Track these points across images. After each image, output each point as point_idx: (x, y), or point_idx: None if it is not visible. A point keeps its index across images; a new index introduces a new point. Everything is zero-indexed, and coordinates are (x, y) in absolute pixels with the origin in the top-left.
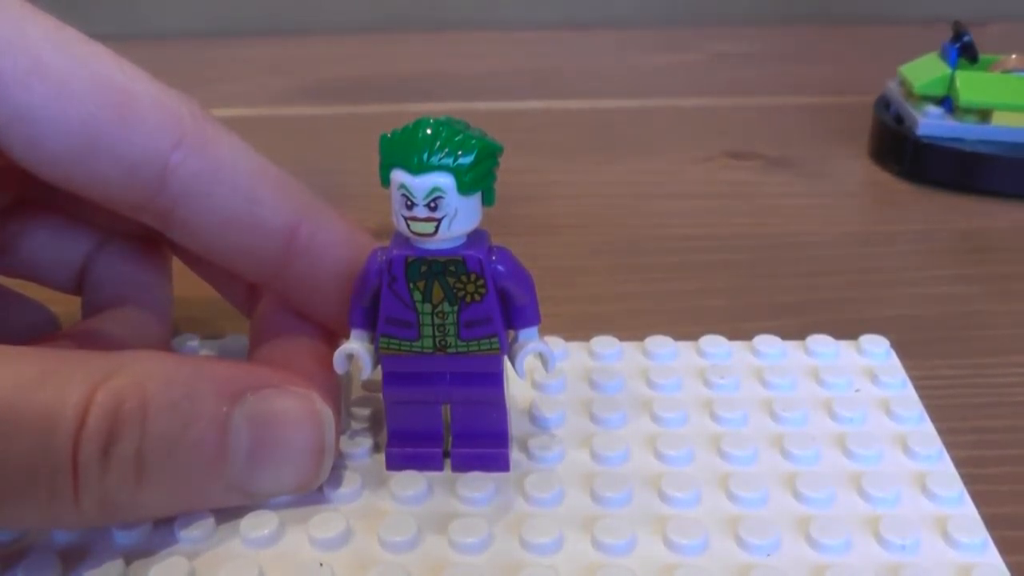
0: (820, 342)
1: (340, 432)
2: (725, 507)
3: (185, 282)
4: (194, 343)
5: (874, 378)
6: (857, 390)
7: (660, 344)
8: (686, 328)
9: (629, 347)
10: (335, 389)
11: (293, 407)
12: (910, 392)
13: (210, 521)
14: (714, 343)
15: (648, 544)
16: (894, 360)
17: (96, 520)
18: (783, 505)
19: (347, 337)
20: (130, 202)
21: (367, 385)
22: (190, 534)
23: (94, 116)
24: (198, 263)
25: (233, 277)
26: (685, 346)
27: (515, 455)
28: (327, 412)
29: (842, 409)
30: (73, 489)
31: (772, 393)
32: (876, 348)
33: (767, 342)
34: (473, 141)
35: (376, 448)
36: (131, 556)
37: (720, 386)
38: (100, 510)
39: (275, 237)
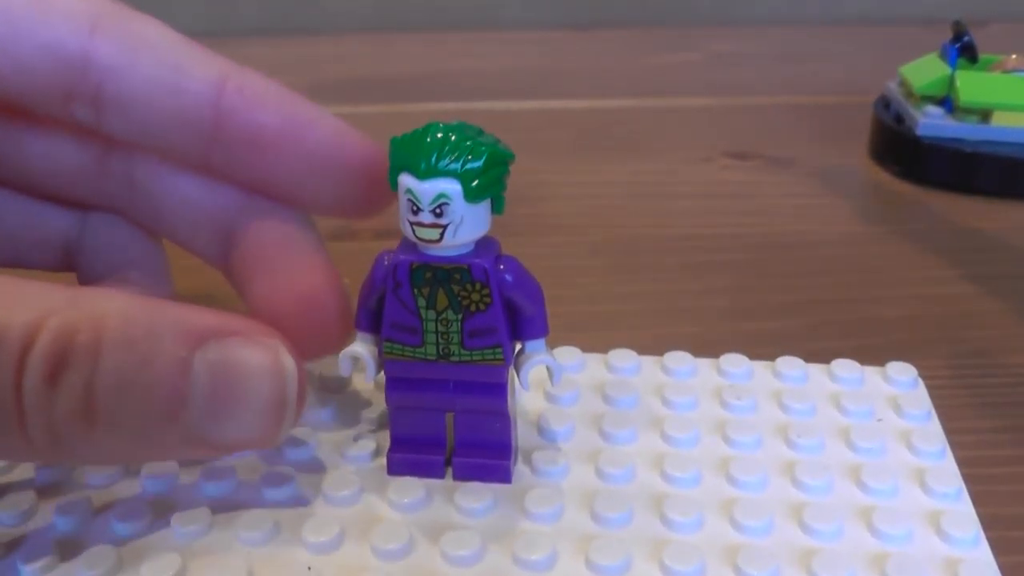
0: (845, 367)
1: (305, 387)
2: (727, 534)
3: (185, 281)
4: None
5: (898, 408)
6: (879, 419)
7: (679, 360)
8: (686, 328)
9: (647, 361)
10: (333, 287)
11: (255, 357)
12: (934, 425)
13: (206, 516)
14: (735, 362)
15: (643, 568)
16: (921, 390)
17: (49, 456)
18: (787, 536)
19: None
20: (59, 89)
21: (377, 386)
22: (185, 528)
23: (10, 6)
24: (160, 221)
25: (198, 224)
26: (705, 363)
27: (519, 467)
28: (291, 365)
29: (860, 439)
30: (17, 415)
31: (789, 418)
32: (903, 376)
33: (790, 364)
34: (482, 147)
35: (379, 452)
36: (124, 548)
37: (736, 407)
38: (51, 445)
39: (202, 97)
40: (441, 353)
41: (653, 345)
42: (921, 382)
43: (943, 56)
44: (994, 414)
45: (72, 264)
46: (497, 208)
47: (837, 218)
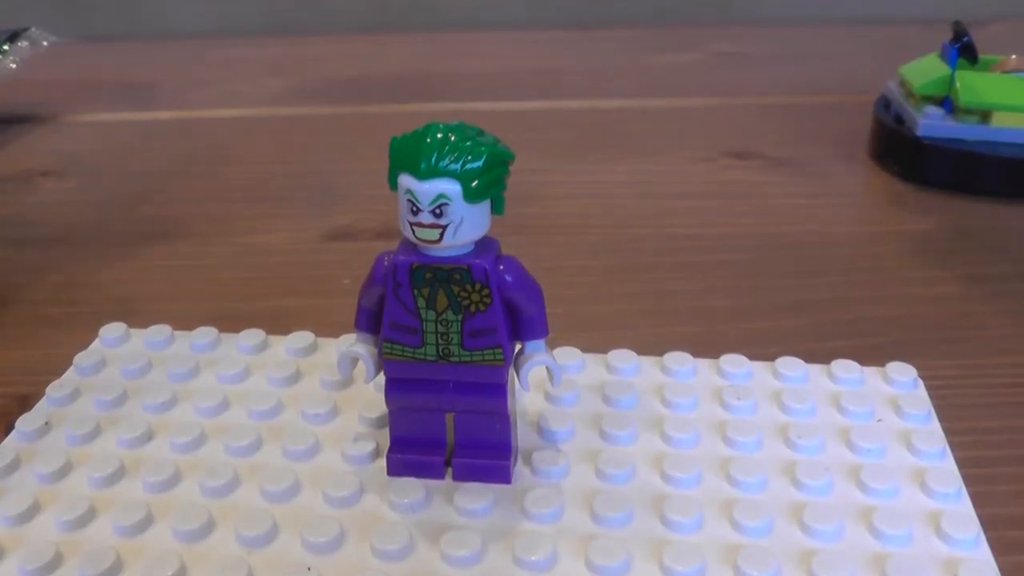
0: (845, 367)
1: None
2: (727, 535)
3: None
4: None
5: (898, 408)
6: (879, 420)
7: (679, 360)
8: (686, 328)
9: (647, 362)
10: None
11: None
12: (934, 426)
13: (206, 516)
14: (735, 362)
15: (643, 568)
16: (921, 390)
17: None
18: (787, 536)
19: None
20: None
21: (377, 386)
22: (185, 528)
23: None
24: None
25: None
26: (705, 364)
27: (518, 468)
28: None
29: (860, 439)
30: None
31: (789, 418)
32: (903, 376)
33: (790, 364)
34: (482, 148)
35: (379, 452)
36: (124, 548)
37: (736, 408)
38: None
39: None
40: (441, 354)
41: (653, 345)
42: (921, 382)
43: (943, 56)
44: (994, 414)
45: None
46: (497, 208)
47: (837, 218)
